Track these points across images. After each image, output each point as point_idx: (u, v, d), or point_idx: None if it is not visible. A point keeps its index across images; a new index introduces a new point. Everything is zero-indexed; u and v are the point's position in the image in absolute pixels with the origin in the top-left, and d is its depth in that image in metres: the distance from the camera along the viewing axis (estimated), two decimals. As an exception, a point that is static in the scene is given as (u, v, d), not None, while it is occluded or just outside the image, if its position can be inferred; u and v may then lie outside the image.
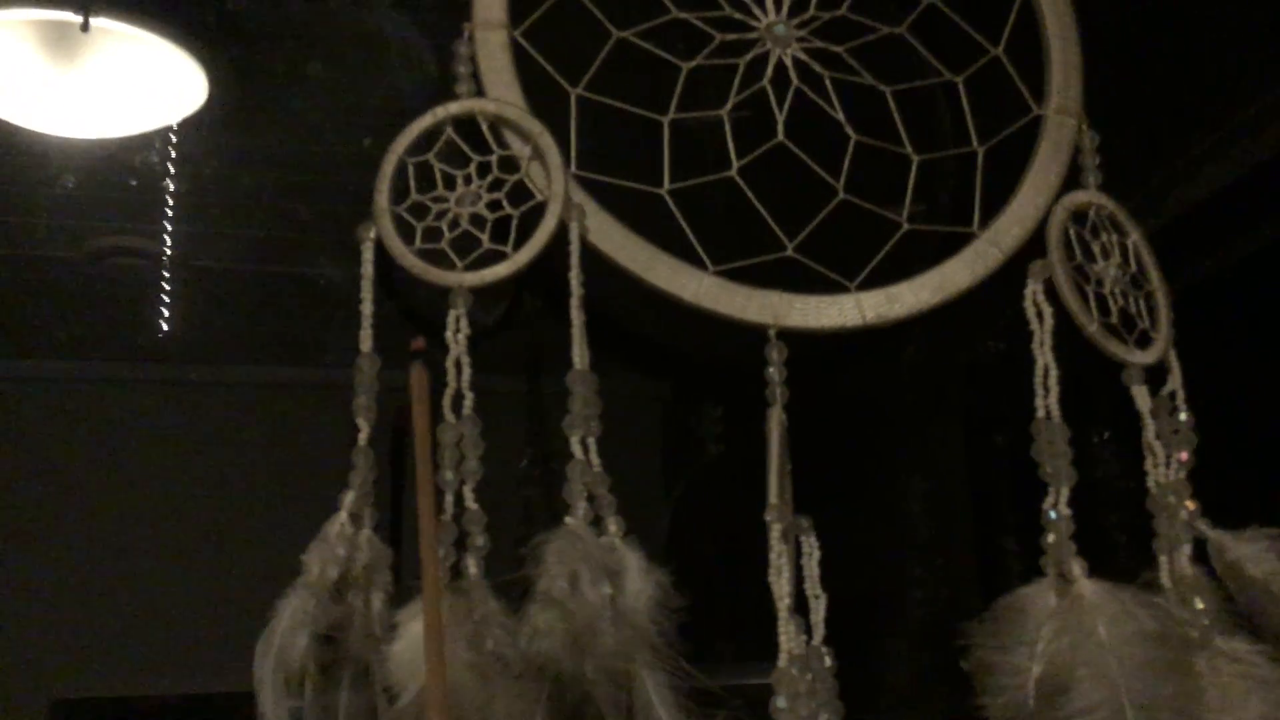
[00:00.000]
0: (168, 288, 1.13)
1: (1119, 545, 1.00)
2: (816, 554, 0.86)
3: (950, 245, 0.92)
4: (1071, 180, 0.94)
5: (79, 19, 1.00)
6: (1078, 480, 0.86)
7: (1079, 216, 0.92)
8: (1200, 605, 0.82)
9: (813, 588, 0.85)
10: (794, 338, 0.87)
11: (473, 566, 0.77)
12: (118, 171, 1.12)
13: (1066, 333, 0.90)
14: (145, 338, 1.12)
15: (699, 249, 0.86)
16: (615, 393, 1.01)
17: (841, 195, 0.91)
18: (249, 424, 1.10)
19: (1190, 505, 0.89)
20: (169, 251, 1.11)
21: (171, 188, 1.10)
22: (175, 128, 1.09)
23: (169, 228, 1.11)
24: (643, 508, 1.02)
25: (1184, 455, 0.90)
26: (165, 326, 1.10)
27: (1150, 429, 0.87)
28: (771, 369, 0.84)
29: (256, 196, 1.14)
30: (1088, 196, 0.92)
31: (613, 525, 0.76)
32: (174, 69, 1.05)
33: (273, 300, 1.16)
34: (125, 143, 1.09)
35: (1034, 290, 0.88)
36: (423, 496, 0.73)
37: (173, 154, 1.10)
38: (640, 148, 0.91)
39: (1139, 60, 1.06)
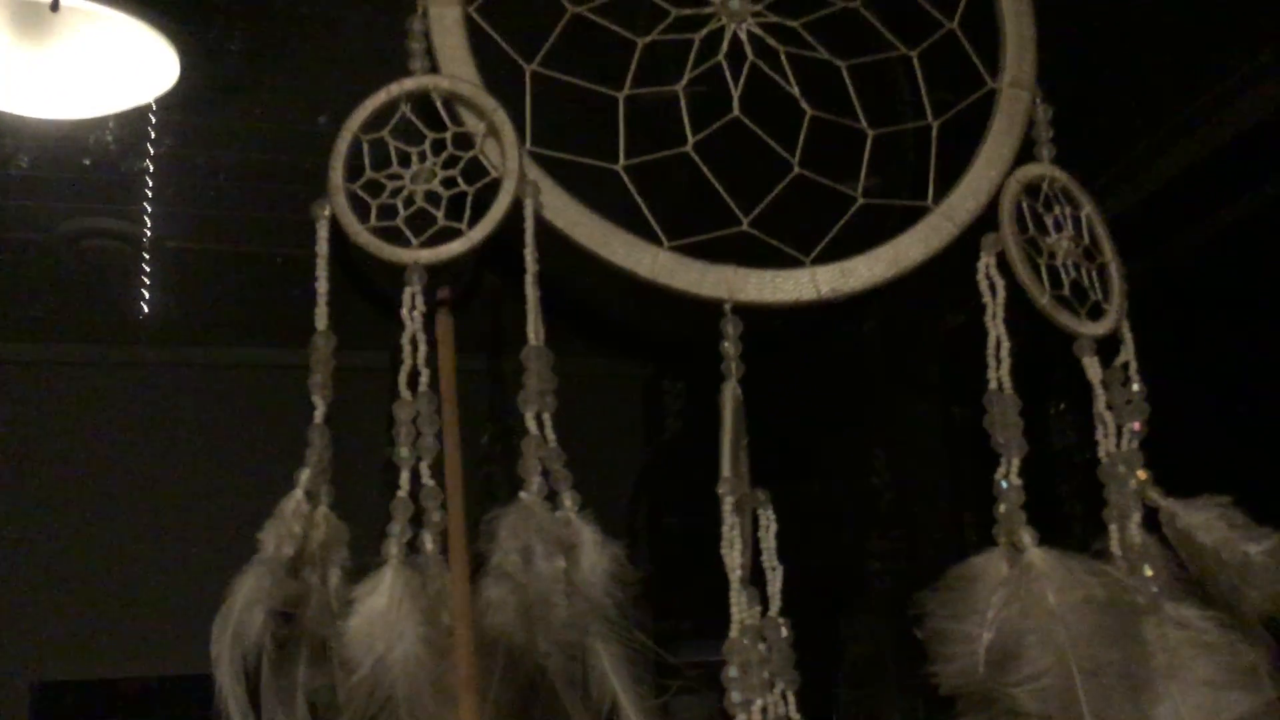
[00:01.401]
0: (145, 269, 1.13)
1: (1075, 514, 1.01)
2: (774, 527, 0.88)
3: (907, 219, 0.93)
4: (1026, 154, 0.94)
5: (49, -1, 0.99)
6: (1033, 451, 0.87)
7: (1032, 189, 0.93)
8: (1149, 573, 0.83)
9: (769, 560, 0.86)
10: (758, 312, 0.87)
11: (429, 542, 0.77)
12: (90, 152, 1.11)
13: (1022, 305, 0.90)
14: (119, 319, 1.12)
15: (654, 224, 0.86)
16: (591, 372, 1.01)
17: (796, 170, 0.91)
18: (225, 404, 1.10)
19: (1142, 475, 0.90)
20: (145, 233, 1.11)
21: (149, 168, 1.10)
22: (150, 107, 1.08)
23: (148, 209, 1.11)
24: (617, 485, 1.03)
25: (1136, 425, 0.91)
26: (142, 308, 1.10)
27: (1101, 399, 0.88)
28: (727, 343, 0.84)
29: (230, 176, 1.14)
30: (1040, 169, 0.93)
31: (568, 499, 0.77)
32: (145, 48, 1.04)
33: (247, 280, 1.16)
34: (97, 123, 1.09)
35: (987, 263, 0.89)
36: (449, 443, 0.76)
37: (150, 134, 1.10)
38: (596, 123, 0.91)
39: (1098, 36, 1.06)
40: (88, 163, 1.11)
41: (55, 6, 0.99)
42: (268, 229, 1.15)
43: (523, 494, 0.75)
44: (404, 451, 0.78)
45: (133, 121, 1.09)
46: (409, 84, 0.85)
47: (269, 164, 1.14)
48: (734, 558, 0.75)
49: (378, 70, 0.97)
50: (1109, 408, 0.88)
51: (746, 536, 0.83)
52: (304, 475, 0.77)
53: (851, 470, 1.09)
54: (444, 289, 0.83)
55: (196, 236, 1.15)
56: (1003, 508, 0.83)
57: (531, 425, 0.78)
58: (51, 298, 1.14)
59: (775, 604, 0.85)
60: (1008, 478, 0.84)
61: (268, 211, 1.15)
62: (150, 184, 1.10)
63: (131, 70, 1.06)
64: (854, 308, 1.01)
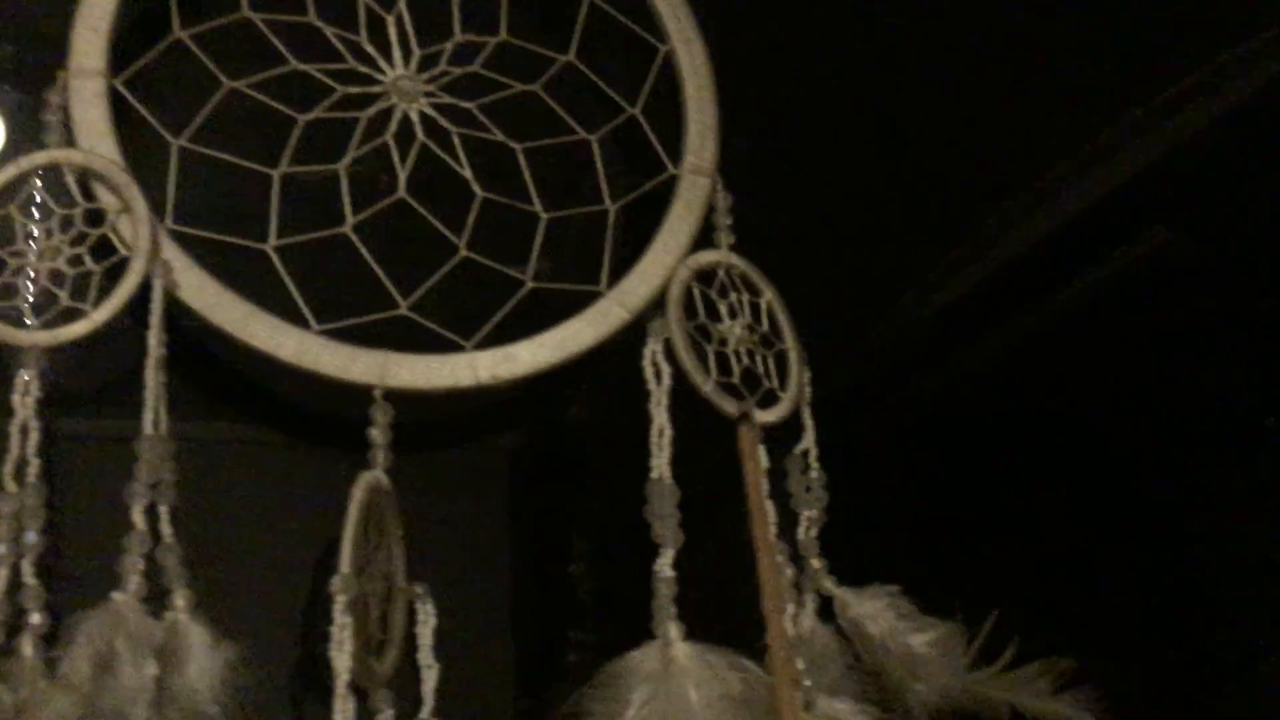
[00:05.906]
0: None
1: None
2: (432, 622, 0.84)
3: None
4: (706, 240, 0.94)
5: None
6: (731, 537, 0.86)
7: (706, 276, 0.92)
8: (801, 665, 0.82)
9: (425, 657, 0.83)
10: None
11: (28, 647, 0.71)
12: None
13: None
14: None
15: (302, 305, 0.83)
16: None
17: (463, 253, 0.89)
18: None
19: (816, 563, 0.90)
20: None
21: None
22: None
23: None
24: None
25: (813, 514, 0.90)
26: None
27: (763, 487, 0.87)
28: (374, 430, 0.81)
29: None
30: (715, 256, 0.93)
31: (180, 600, 0.72)
32: None
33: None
34: None
35: (653, 350, 0.88)
36: (764, 564, 0.82)
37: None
38: (260, 203, 0.88)
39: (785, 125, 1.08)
40: None
41: None
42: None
43: (115, 594, 0.70)
44: (3, 548, 0.72)
45: None
46: (40, 158, 0.80)
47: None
48: (342, 660, 0.70)
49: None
50: (770, 496, 0.87)
51: (384, 633, 0.80)
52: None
53: (549, 559, 1.06)
54: (746, 402, 0.87)
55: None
56: (656, 601, 0.81)
57: (138, 519, 0.73)
58: None
59: (428, 704, 0.82)
60: (662, 569, 0.82)
61: None
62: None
63: None
64: (554, 390, 0.99)
